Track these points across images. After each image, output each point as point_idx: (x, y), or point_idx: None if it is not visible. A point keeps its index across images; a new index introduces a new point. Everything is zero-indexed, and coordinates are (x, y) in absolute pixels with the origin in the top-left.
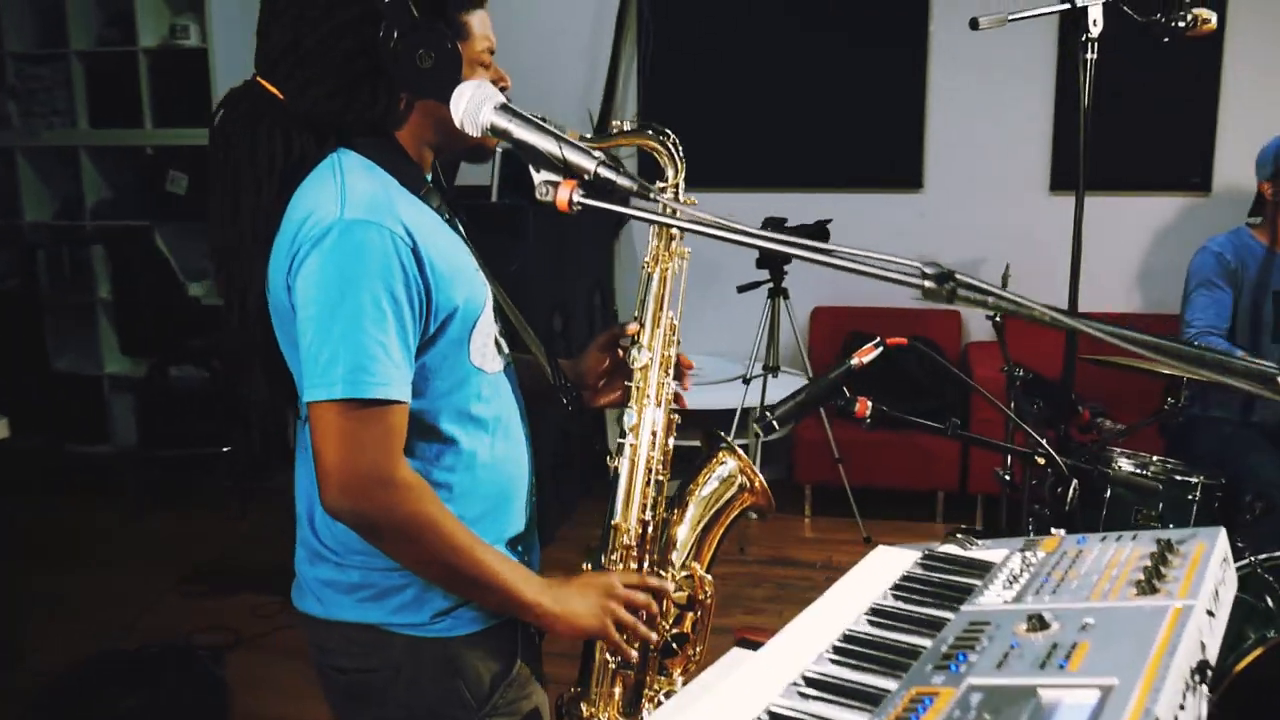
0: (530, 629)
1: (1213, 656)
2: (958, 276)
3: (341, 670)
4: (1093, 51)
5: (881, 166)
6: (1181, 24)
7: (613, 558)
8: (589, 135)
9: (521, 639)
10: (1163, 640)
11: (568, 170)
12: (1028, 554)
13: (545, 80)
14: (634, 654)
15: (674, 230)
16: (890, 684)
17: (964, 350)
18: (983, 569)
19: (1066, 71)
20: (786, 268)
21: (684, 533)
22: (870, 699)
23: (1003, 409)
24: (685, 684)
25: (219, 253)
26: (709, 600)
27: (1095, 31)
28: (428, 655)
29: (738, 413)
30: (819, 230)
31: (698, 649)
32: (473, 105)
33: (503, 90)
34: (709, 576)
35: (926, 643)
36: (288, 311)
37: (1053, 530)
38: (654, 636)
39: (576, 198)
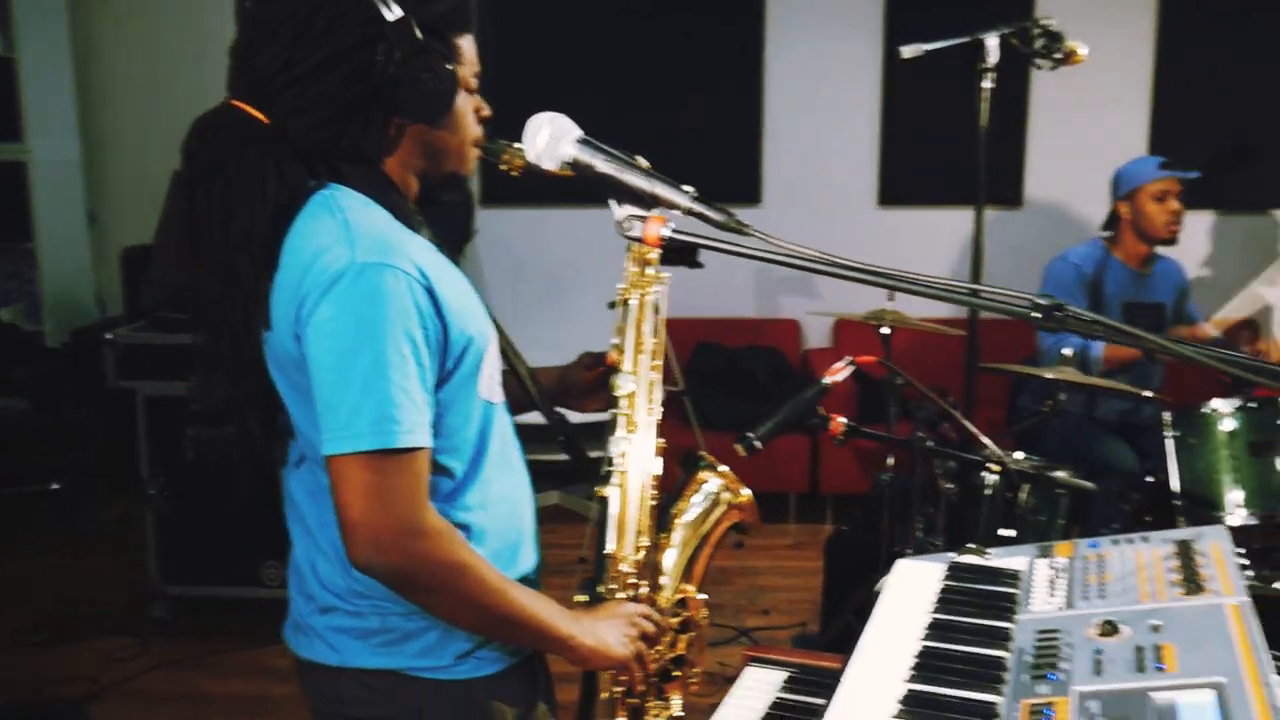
0: (545, 665)
1: None
2: (1067, 308)
3: None
4: (990, 80)
5: (722, 182)
6: (1059, 55)
7: (610, 587)
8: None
9: (542, 678)
10: (1240, 637)
11: (655, 204)
12: (1050, 560)
13: None
14: (641, 684)
15: (651, 256)
16: (992, 697)
17: (804, 357)
18: (1012, 577)
19: (892, 92)
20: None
21: (674, 555)
22: (983, 713)
23: (960, 418)
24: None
25: (203, 291)
26: (704, 622)
27: (991, 61)
28: (451, 699)
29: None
30: (687, 248)
31: (695, 671)
32: (553, 138)
33: (484, 120)
34: (702, 597)
35: (1004, 653)
36: (295, 360)
37: (1000, 532)
38: (654, 665)
39: (667, 232)
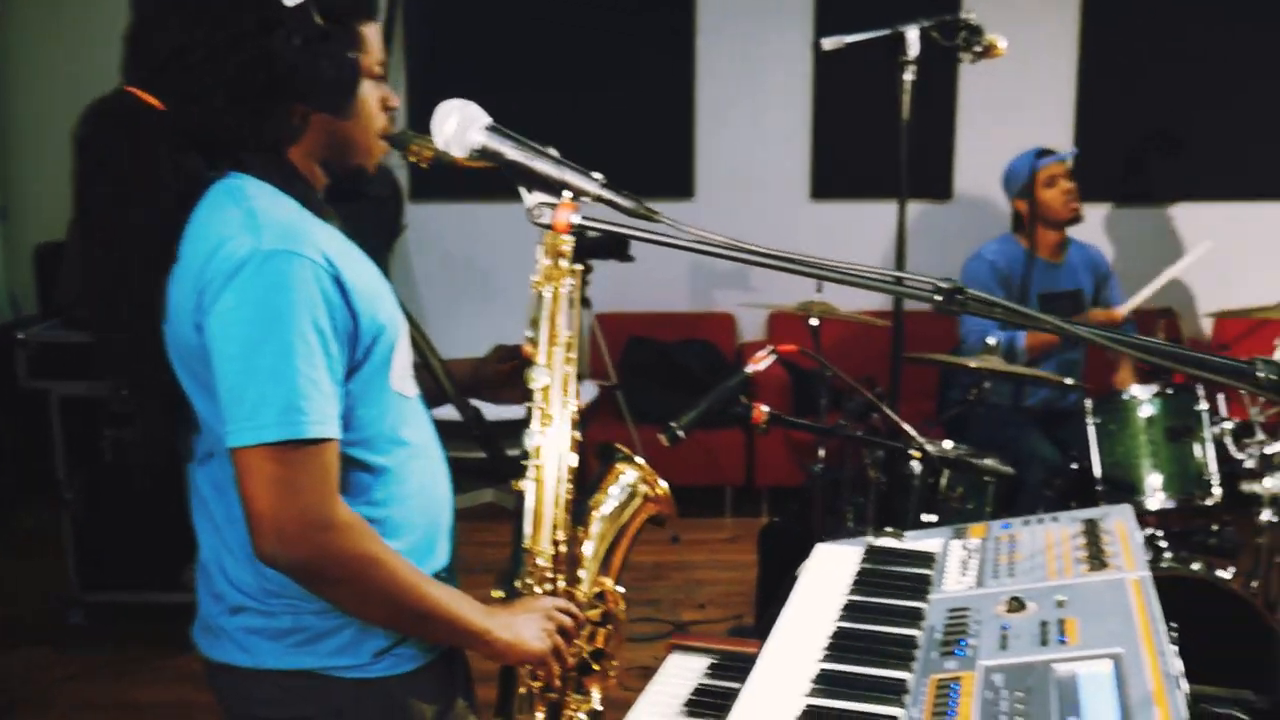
0: (464, 660)
1: None
2: (967, 291)
3: None
4: (911, 73)
5: (656, 176)
6: (979, 49)
7: (527, 581)
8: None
9: (460, 674)
10: (1139, 610)
11: (564, 192)
12: (963, 542)
13: None
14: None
15: (565, 248)
16: (902, 674)
17: (738, 350)
18: (927, 559)
19: (823, 85)
20: (589, 277)
21: (591, 548)
22: (893, 689)
23: (883, 406)
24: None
25: (98, 282)
26: (622, 615)
27: (912, 54)
28: (370, 697)
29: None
30: (619, 241)
31: (614, 663)
32: (461, 126)
33: (389, 109)
34: (620, 590)
35: (916, 632)
36: (196, 351)
37: (923, 517)
38: (571, 660)
39: (577, 220)
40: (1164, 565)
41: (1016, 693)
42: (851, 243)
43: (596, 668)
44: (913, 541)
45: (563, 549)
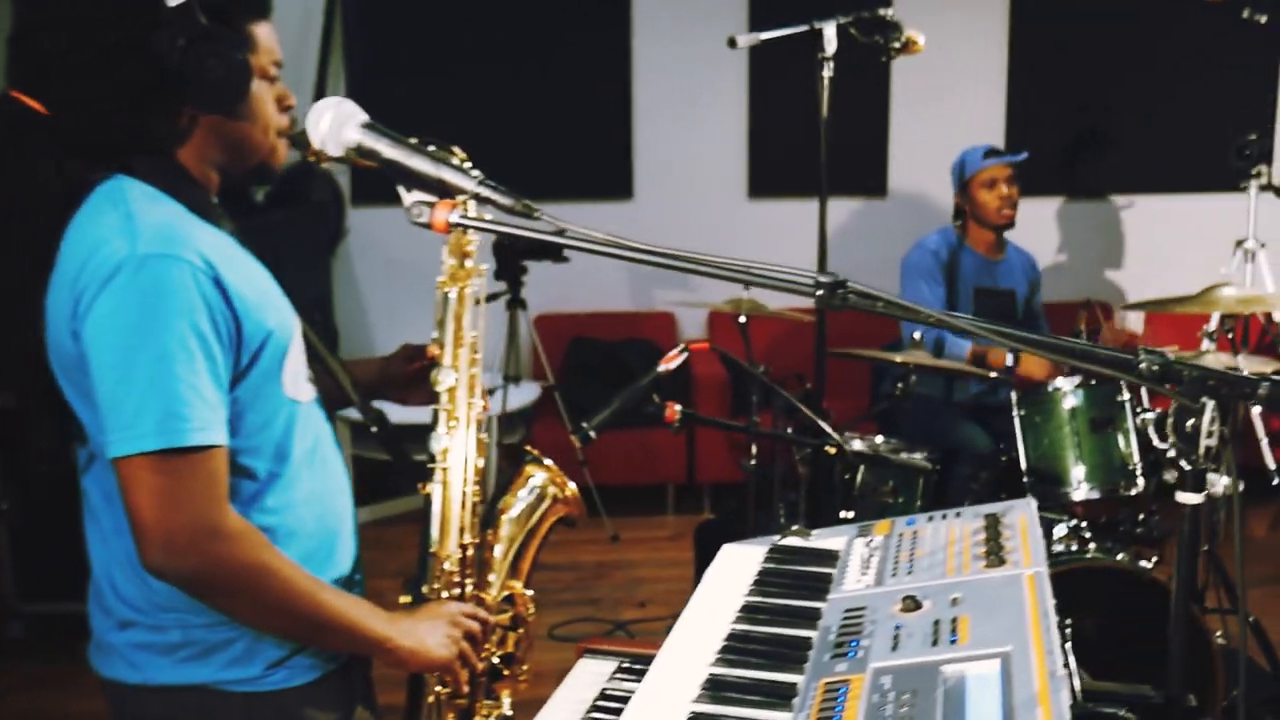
0: (365, 669)
1: None
2: (849, 285)
3: None
4: (829, 70)
5: (595, 177)
6: (897, 45)
7: (435, 586)
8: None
9: (360, 682)
10: (1032, 606)
11: (443, 190)
12: (867, 539)
13: None
14: (466, 684)
15: (470, 248)
16: (793, 677)
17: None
18: (830, 557)
19: (758, 88)
20: (524, 279)
21: (500, 551)
22: (782, 693)
23: (796, 402)
24: (514, 703)
25: None
26: (531, 618)
27: (830, 50)
28: (264, 711)
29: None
30: (551, 242)
31: (524, 667)
32: (335, 124)
33: (287, 109)
34: (529, 593)
35: (811, 633)
36: (74, 359)
37: (841, 514)
38: (480, 665)
39: (455, 219)
40: (1088, 556)
41: (904, 695)
42: (790, 240)
43: (506, 672)
44: (819, 540)
45: (470, 553)
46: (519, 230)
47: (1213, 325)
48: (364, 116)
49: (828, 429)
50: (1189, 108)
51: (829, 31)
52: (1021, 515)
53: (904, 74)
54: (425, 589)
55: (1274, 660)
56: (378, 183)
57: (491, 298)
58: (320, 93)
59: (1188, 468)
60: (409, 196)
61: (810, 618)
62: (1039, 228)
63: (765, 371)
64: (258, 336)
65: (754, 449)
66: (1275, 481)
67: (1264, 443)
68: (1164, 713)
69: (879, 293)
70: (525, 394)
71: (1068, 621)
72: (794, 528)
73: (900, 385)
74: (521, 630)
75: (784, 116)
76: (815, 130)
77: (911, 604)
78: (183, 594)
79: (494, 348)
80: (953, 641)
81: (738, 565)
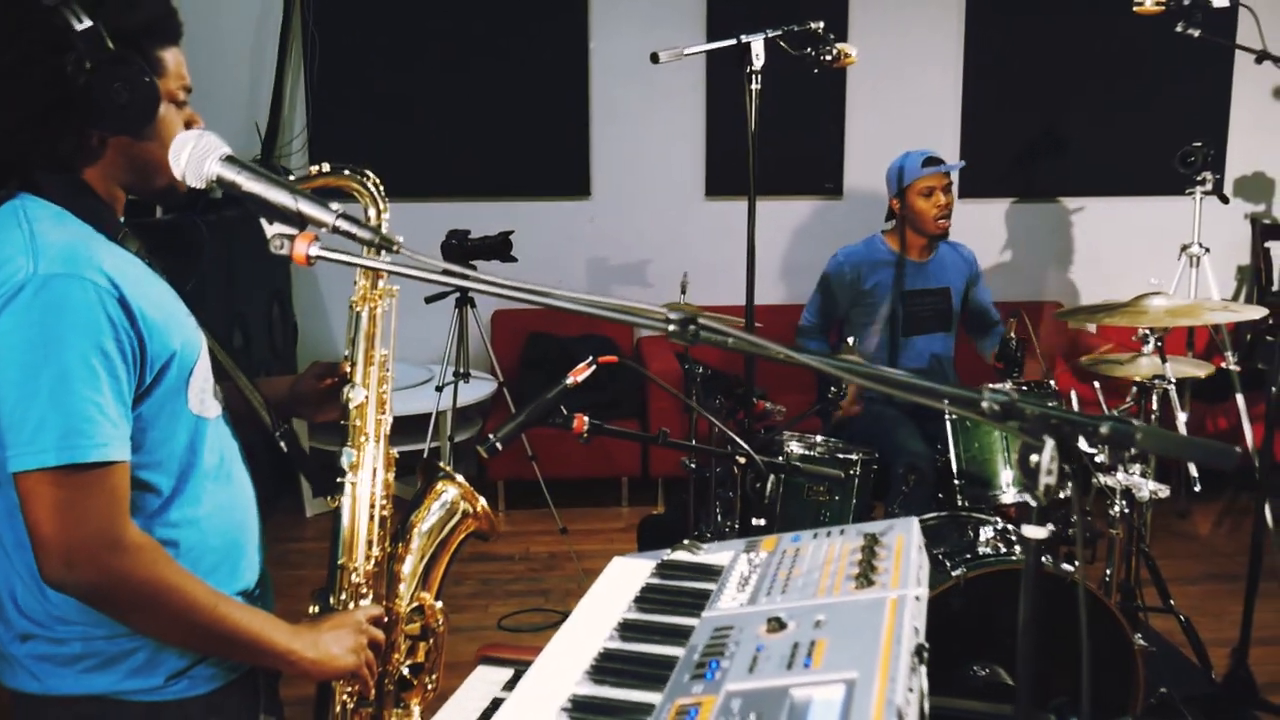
0: (269, 679)
1: (923, 637)
2: (700, 320)
3: None
4: (757, 82)
5: (552, 174)
6: (828, 58)
7: (342, 598)
8: (291, 174)
9: (264, 691)
10: (888, 631)
11: (302, 222)
12: (751, 555)
13: (208, 92)
14: (373, 691)
15: (382, 271)
16: (654, 697)
17: (636, 345)
18: (714, 573)
19: (715, 88)
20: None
21: (410, 563)
22: (639, 713)
23: (706, 414)
24: (424, 712)
25: None
26: (441, 629)
27: (758, 64)
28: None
29: (433, 417)
30: (502, 243)
31: (433, 676)
32: (196, 156)
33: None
34: (439, 605)
35: (679, 651)
36: None
37: (754, 520)
38: (388, 669)
39: (314, 252)
40: (1013, 558)
41: (749, 717)
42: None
43: (415, 682)
44: (707, 555)
45: (379, 565)
46: (371, 264)
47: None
48: (226, 150)
49: (737, 439)
50: (1143, 113)
51: (757, 46)
52: (900, 536)
53: (860, 77)
54: (333, 600)
55: (1204, 658)
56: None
57: (440, 296)
58: (279, 85)
59: (1033, 504)
60: (270, 229)
61: (682, 635)
62: (989, 228)
63: (704, 374)
64: (162, 355)
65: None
66: (1197, 488)
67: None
68: None
69: (729, 330)
70: (479, 389)
71: (925, 645)
72: (685, 542)
73: (834, 389)
74: (431, 640)
75: (741, 118)
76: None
77: (776, 625)
78: (84, 606)
79: (443, 345)
80: (806, 665)
81: (624, 579)
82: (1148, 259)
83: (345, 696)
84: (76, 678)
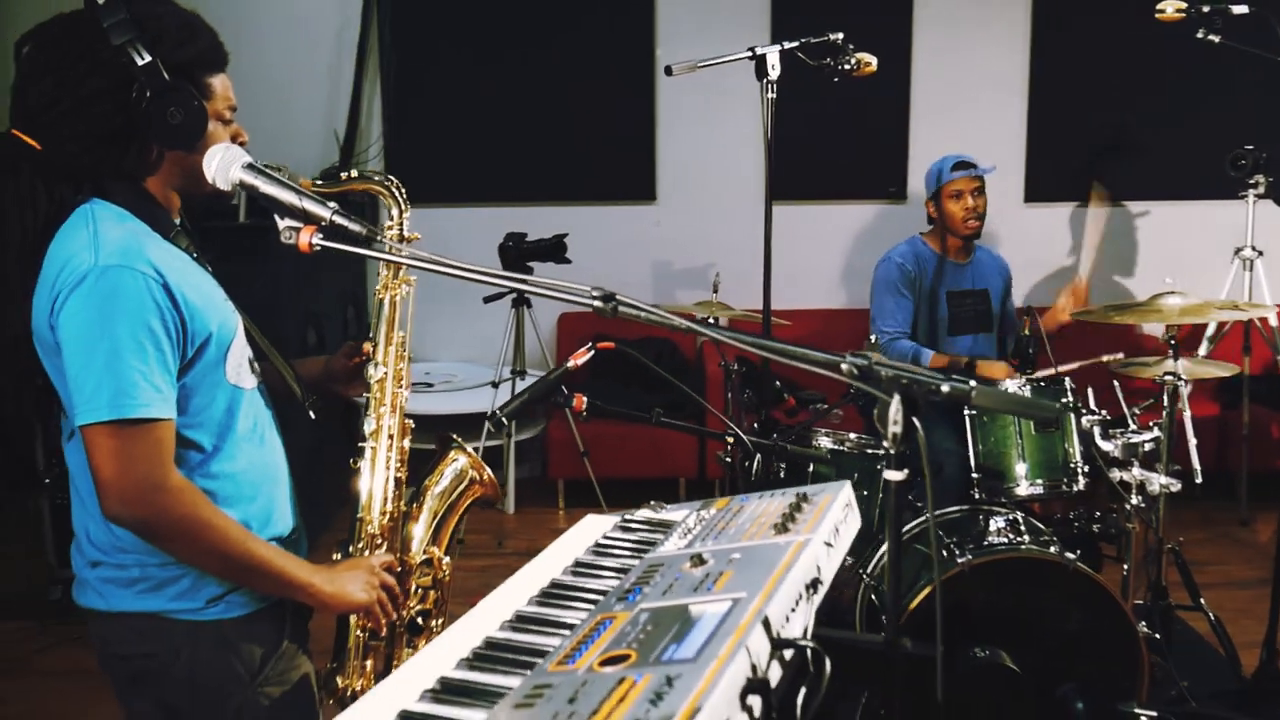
0: (298, 611)
1: (827, 576)
2: (619, 297)
3: (124, 658)
4: (773, 92)
5: (618, 179)
6: (847, 67)
7: (359, 546)
8: (320, 181)
9: (289, 619)
10: (783, 566)
11: (306, 218)
12: (702, 512)
13: (289, 103)
14: (385, 628)
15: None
16: (581, 615)
17: (699, 348)
18: (667, 527)
19: (780, 90)
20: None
21: (423, 522)
22: (564, 625)
23: (700, 400)
24: None
25: None
26: (447, 579)
27: (774, 75)
28: (204, 636)
29: (487, 414)
30: (556, 245)
31: (439, 622)
32: (223, 165)
33: (241, 144)
34: (447, 559)
35: (613, 584)
36: (53, 347)
37: None
38: (395, 615)
39: (315, 241)
40: (1023, 548)
41: (649, 626)
42: (808, 242)
43: (425, 627)
44: (666, 513)
45: (390, 519)
46: (365, 251)
47: (1211, 330)
48: (246, 159)
49: (729, 423)
50: (1206, 116)
51: (772, 57)
52: (828, 496)
53: (925, 79)
54: (351, 548)
55: (1234, 656)
56: (420, 186)
57: (497, 296)
58: (357, 95)
59: (892, 451)
60: (282, 223)
61: (624, 573)
62: (1053, 233)
63: (739, 371)
64: (202, 333)
65: (730, 445)
66: (1198, 480)
67: (1192, 444)
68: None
69: (643, 305)
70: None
71: (820, 579)
72: (650, 502)
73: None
74: (439, 591)
75: (806, 122)
76: (834, 136)
77: (697, 560)
78: (139, 539)
79: (502, 344)
80: (709, 590)
81: (589, 531)
82: (1205, 262)
83: (360, 632)
84: (134, 597)
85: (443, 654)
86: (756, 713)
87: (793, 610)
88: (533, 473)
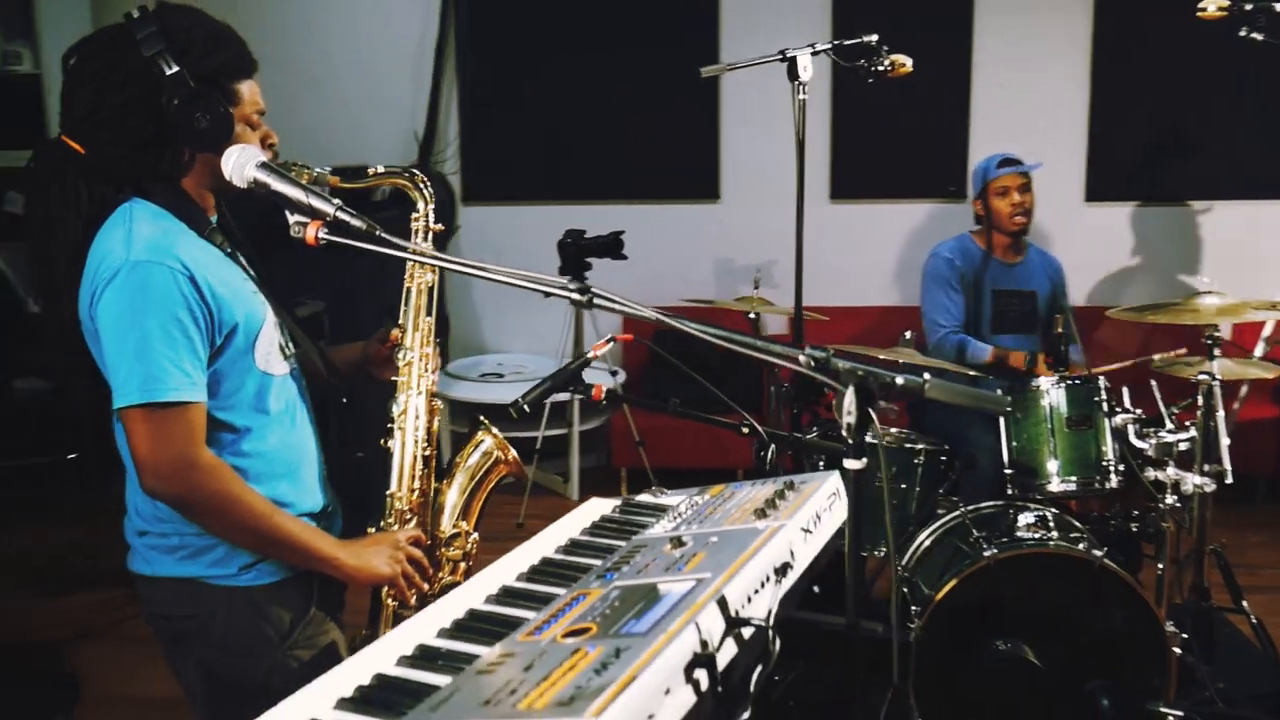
0: (325, 581)
1: (802, 562)
2: (594, 290)
3: (167, 618)
4: (804, 93)
5: (683, 178)
6: (881, 68)
7: (389, 521)
8: (334, 173)
9: (316, 587)
10: (752, 550)
11: (313, 214)
12: (697, 498)
13: (373, 104)
14: (413, 599)
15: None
16: (560, 590)
17: None
18: (663, 510)
19: (841, 92)
20: (587, 274)
21: (453, 498)
22: (542, 599)
23: (713, 390)
24: None
25: (37, 282)
26: (474, 553)
27: (806, 76)
28: (237, 601)
29: (546, 405)
30: (613, 242)
31: None
32: (239, 164)
33: (270, 146)
34: (475, 534)
35: (596, 562)
36: (94, 335)
37: None
38: (426, 586)
39: (321, 234)
40: (1051, 544)
41: (617, 601)
42: (870, 241)
43: None
44: (666, 498)
45: (418, 495)
46: (367, 245)
47: (1268, 330)
48: (261, 158)
49: (744, 415)
50: (1269, 115)
51: (803, 59)
52: (814, 484)
53: (985, 78)
54: (381, 523)
55: (1276, 658)
56: (486, 183)
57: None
58: (435, 96)
59: (850, 441)
60: (293, 218)
61: (607, 552)
62: (1115, 232)
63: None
64: (229, 323)
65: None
66: (1229, 480)
67: (1224, 444)
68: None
69: (616, 298)
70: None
71: (790, 564)
72: (652, 487)
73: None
74: (468, 564)
75: (867, 121)
76: (896, 135)
77: (677, 543)
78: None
79: (561, 337)
80: (680, 570)
81: (590, 512)
82: (1265, 262)
83: (392, 603)
84: (175, 564)
85: (428, 623)
86: (703, 686)
87: (755, 592)
88: (599, 461)
